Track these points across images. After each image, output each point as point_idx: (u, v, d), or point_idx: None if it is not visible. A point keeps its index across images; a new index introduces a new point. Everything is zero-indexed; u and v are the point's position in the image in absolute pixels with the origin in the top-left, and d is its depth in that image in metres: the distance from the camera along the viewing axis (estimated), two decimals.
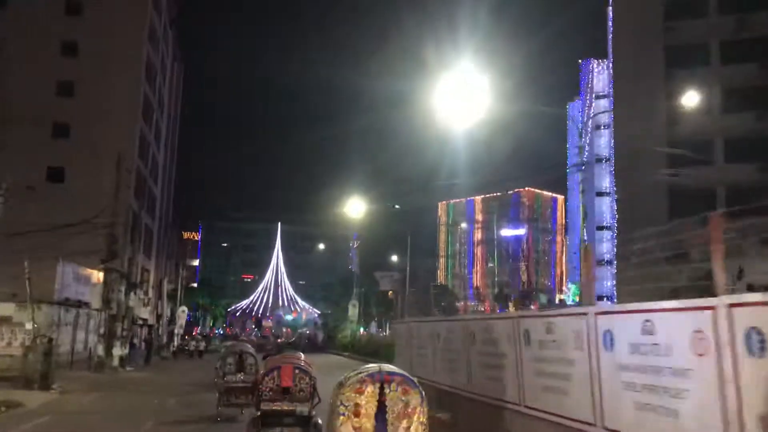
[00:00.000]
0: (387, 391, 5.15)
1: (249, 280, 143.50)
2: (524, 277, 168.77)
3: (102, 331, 26.79)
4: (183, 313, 57.60)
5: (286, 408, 7.93)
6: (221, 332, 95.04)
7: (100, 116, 39.97)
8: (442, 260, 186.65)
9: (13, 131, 39.05)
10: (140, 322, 48.61)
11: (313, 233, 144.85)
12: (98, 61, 40.93)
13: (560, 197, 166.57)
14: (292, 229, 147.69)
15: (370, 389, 5.14)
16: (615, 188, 40.08)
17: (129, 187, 36.15)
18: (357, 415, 5.09)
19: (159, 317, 48.73)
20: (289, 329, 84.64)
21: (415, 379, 5.35)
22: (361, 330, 60.42)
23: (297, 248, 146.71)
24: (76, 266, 30.21)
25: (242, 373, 13.47)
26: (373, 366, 5.45)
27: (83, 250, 28.30)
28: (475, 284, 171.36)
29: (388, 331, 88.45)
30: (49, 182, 39.63)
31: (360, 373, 5.29)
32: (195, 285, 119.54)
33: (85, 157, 38.15)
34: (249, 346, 16.07)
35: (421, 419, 5.18)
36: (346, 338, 51.22)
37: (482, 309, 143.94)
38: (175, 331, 55.48)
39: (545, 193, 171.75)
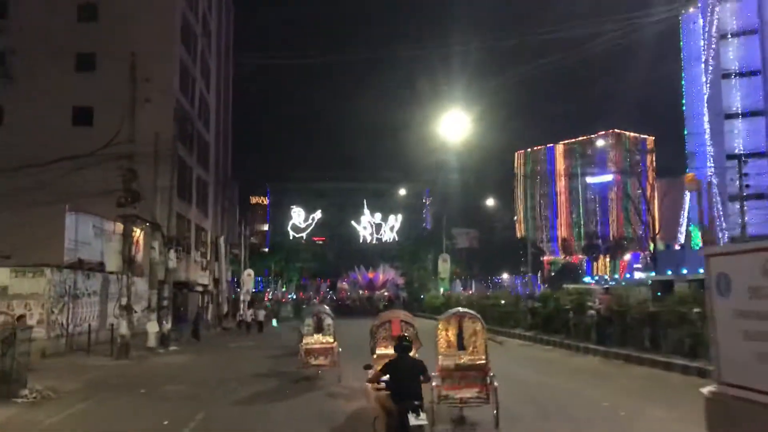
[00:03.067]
0: (463, 321, 9.54)
1: (321, 242, 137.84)
2: (613, 227, 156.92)
3: (124, 301, 19.49)
4: (249, 276, 50.75)
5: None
6: (294, 297, 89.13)
7: (129, 42, 32.56)
8: (521, 213, 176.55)
9: (30, 64, 32.46)
10: (199, 288, 42.13)
11: (383, 189, 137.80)
12: None
13: (650, 138, 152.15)
14: (359, 187, 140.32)
15: (454, 320, 9.59)
16: None
17: (171, 121, 28.64)
18: (446, 335, 9.46)
19: (216, 282, 41.99)
20: (366, 291, 77.60)
21: (478, 315, 9.70)
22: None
23: (368, 207, 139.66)
24: (95, 217, 23.12)
25: (320, 334, 13.71)
26: (454, 309, 10.25)
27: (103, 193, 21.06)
28: (559, 236, 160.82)
29: (472, 289, 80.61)
30: (76, 126, 32.97)
31: (449, 313, 9.92)
32: (266, 250, 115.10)
33: (115, 93, 30.93)
34: (327, 308, 16.20)
35: (483, 338, 9.50)
36: (436, 299, 43.17)
37: (564, 262, 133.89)
38: (241, 297, 48.91)
39: (632, 134, 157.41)
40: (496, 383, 8.72)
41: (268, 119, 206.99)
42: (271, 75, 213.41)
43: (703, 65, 57.88)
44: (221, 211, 47.70)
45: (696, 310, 13.88)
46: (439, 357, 9.23)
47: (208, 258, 42.95)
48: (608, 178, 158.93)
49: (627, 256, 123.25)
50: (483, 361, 9.16)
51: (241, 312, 39.93)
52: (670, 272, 44.19)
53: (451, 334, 9.40)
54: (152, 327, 22.08)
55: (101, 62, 33.05)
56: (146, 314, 23.44)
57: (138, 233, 20.33)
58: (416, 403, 6.52)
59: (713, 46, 57.49)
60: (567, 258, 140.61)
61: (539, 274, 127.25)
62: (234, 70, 61.74)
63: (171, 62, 34.60)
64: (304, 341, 13.67)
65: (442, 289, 44.78)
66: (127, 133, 19.74)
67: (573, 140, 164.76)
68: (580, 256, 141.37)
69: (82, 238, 22.41)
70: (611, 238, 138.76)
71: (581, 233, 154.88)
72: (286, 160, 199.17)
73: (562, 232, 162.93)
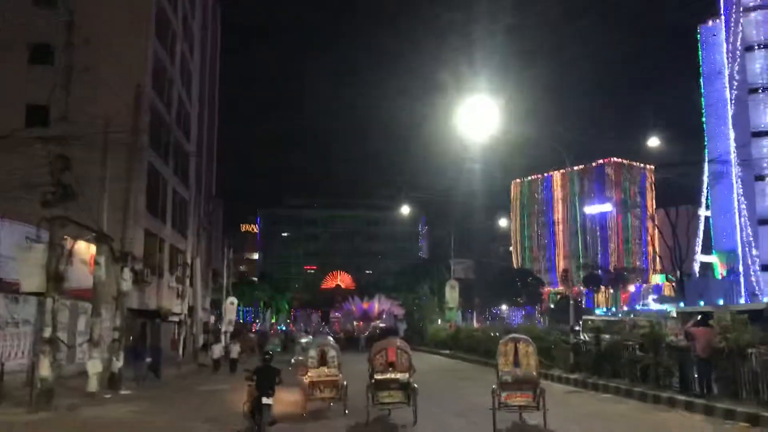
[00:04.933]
0: (518, 343, 11.27)
1: (312, 271, 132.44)
2: (613, 258, 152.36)
3: (47, 333, 14.47)
4: (232, 305, 45.48)
5: (391, 377, 11.78)
6: (284, 328, 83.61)
7: (93, 31, 27.99)
8: (517, 243, 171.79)
9: None
10: (174, 318, 36.97)
11: (377, 218, 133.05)
12: None
13: (650, 166, 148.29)
14: (354, 215, 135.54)
15: (511, 343, 11.34)
16: None
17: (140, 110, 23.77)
18: (505, 355, 11.19)
19: (191, 310, 36.83)
20: (360, 323, 72.23)
21: (530, 339, 11.60)
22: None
23: (361, 235, 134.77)
24: (28, 227, 18.21)
25: (325, 367, 13.43)
26: (510, 335, 12.08)
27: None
28: (558, 266, 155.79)
29: (473, 322, 75.52)
30: (30, 127, 28.12)
31: (506, 338, 11.75)
32: (255, 279, 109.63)
33: (75, 90, 26.22)
34: (331, 339, 16.45)
35: (534, 358, 11.19)
36: (441, 331, 38.06)
37: (568, 293, 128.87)
38: (223, 329, 43.64)
39: (633, 163, 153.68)
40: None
41: (258, 141, 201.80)
42: (261, 92, 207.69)
43: (726, 80, 53.94)
44: (203, 232, 42.69)
45: None
46: (500, 372, 11.15)
47: (186, 284, 37.85)
48: (608, 207, 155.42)
49: (631, 287, 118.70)
50: (534, 376, 11.04)
51: (223, 344, 34.00)
52: (702, 303, 39.39)
53: (509, 353, 11.20)
54: (93, 367, 17.03)
55: (60, 55, 28.40)
56: (87, 349, 18.36)
57: (71, 243, 15.43)
58: (269, 391, 10.24)
59: (738, 59, 53.74)
60: (566, 290, 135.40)
61: (538, 306, 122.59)
62: (219, 84, 57.53)
63: (140, 53, 29.99)
64: (308, 373, 13.42)
65: (449, 320, 39.79)
66: (60, 110, 15.06)
67: (571, 169, 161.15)
68: (580, 288, 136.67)
69: (6, 252, 17.50)
70: (612, 269, 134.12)
71: (579, 264, 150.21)
72: (276, 186, 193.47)
73: (560, 262, 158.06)
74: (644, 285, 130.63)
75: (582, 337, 21.77)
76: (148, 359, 21.50)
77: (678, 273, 44.25)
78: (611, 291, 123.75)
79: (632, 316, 22.57)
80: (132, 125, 19.64)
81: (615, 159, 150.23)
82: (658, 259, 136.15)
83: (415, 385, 11.75)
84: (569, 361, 19.78)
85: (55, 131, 14.93)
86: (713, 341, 13.02)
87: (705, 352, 13.06)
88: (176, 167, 37.87)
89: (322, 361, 13.45)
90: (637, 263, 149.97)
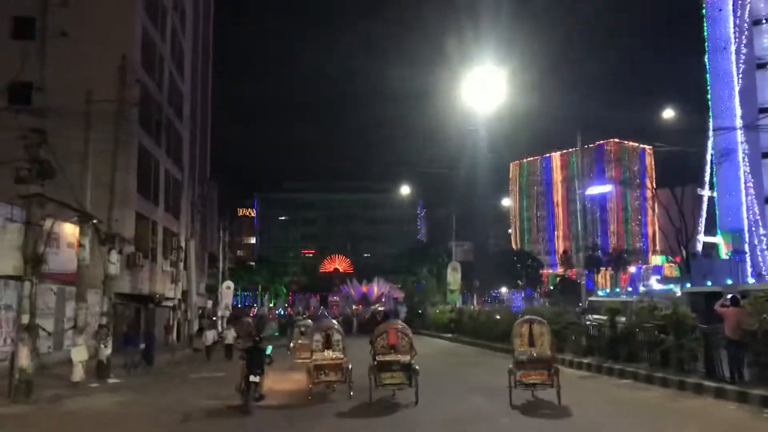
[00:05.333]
0: (532, 324, 12.09)
1: (310, 255, 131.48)
2: (613, 239, 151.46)
3: (24, 320, 13.44)
4: (228, 290, 44.73)
5: (393, 358, 12.19)
6: (282, 312, 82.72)
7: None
8: (516, 225, 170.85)
9: None
10: (168, 303, 35.99)
11: (375, 200, 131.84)
12: None
13: (648, 147, 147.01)
14: (352, 198, 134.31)
15: (526, 324, 12.15)
16: None
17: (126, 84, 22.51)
18: (521, 336, 12.00)
19: (185, 294, 35.76)
20: (360, 306, 71.35)
21: (544, 320, 12.55)
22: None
23: (360, 218, 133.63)
24: (4, 206, 17.12)
25: (330, 350, 13.36)
26: (526, 317, 13.17)
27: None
28: (557, 248, 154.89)
29: (473, 305, 74.73)
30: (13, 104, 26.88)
31: (521, 319, 12.84)
32: (253, 264, 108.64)
33: (60, 67, 24.95)
34: (336, 322, 15.73)
35: (548, 338, 11.90)
36: (443, 314, 37.08)
37: (568, 275, 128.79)
38: (219, 313, 42.77)
39: (632, 143, 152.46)
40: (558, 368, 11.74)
41: (254, 123, 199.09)
42: (257, 73, 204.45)
43: (733, 55, 52.43)
44: (197, 215, 41.59)
45: None
46: (516, 352, 12.00)
47: (180, 268, 36.82)
48: (607, 188, 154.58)
49: (632, 269, 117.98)
50: (548, 355, 11.80)
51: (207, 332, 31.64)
52: (709, 283, 38.43)
53: (524, 334, 12.06)
54: (78, 354, 16.02)
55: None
56: (73, 336, 17.34)
57: (50, 222, 14.30)
58: (257, 370, 11.67)
59: (746, 32, 52.29)
60: (566, 271, 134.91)
61: (538, 288, 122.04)
62: (213, 64, 56.15)
63: (127, 25, 28.67)
64: (313, 357, 13.36)
65: (450, 303, 38.79)
66: (35, 77, 13.91)
67: (571, 150, 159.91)
68: (579, 270, 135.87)
69: None
70: (611, 250, 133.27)
71: (578, 245, 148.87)
72: (273, 168, 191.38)
73: (560, 244, 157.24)
74: (644, 266, 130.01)
75: (589, 318, 20.79)
76: (142, 345, 20.50)
77: (684, 253, 43.22)
78: (612, 272, 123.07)
79: (646, 297, 21.41)
80: (118, 97, 18.43)
81: (615, 139, 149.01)
82: (657, 239, 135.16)
83: (417, 367, 12.15)
84: (581, 344, 18.82)
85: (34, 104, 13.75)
86: (745, 322, 12.02)
87: (735, 334, 12.06)
88: (168, 148, 36.66)
89: (327, 344, 13.40)
90: (637, 244, 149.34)
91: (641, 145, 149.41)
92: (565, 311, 20.77)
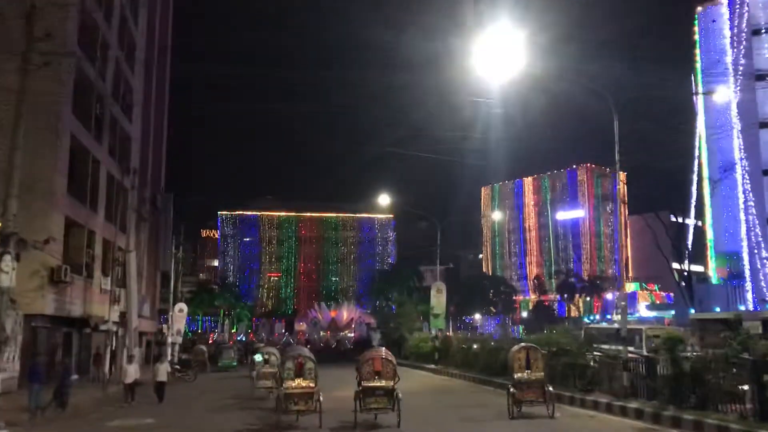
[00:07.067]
0: (529, 350, 14.31)
1: (275, 278, 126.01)
2: (586, 266, 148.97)
3: None
4: (181, 313, 39.50)
5: (377, 384, 12.69)
6: (243, 339, 77.34)
7: None
8: (488, 250, 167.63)
9: None
10: (105, 327, 30.73)
11: (344, 222, 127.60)
12: None
13: (621, 173, 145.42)
14: (321, 219, 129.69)
15: (523, 350, 14.40)
16: None
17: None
18: (519, 360, 14.07)
19: (122, 317, 30.62)
20: (328, 332, 66.64)
21: (538, 347, 14.79)
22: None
23: (328, 240, 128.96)
24: None
25: (301, 378, 13.09)
26: (522, 344, 15.35)
27: None
28: (529, 274, 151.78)
29: (449, 330, 70.62)
30: None
31: (519, 345, 14.95)
32: (216, 287, 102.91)
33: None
34: (307, 350, 15.67)
35: (542, 361, 14.16)
36: (424, 341, 32.62)
37: (543, 300, 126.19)
38: (169, 340, 37.63)
39: (605, 168, 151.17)
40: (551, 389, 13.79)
41: (215, 136, 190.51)
42: (216, 84, 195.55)
43: (731, 67, 49.70)
44: (143, 223, 36.68)
45: None
46: (515, 375, 13.85)
47: (115, 287, 31.62)
48: (580, 213, 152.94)
49: (609, 295, 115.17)
50: (542, 376, 13.83)
51: (127, 366, 23.45)
52: (717, 309, 34.85)
53: (522, 359, 14.09)
54: None
55: None
56: None
57: None
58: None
59: (743, 42, 49.77)
60: (540, 297, 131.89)
61: (510, 315, 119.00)
62: (171, 68, 51.42)
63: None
64: (284, 385, 13.09)
65: (434, 329, 34.33)
66: None
67: (543, 174, 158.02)
68: (552, 296, 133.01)
69: None
70: (586, 276, 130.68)
71: (551, 271, 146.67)
72: (237, 187, 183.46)
73: (532, 270, 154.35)
74: (617, 293, 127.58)
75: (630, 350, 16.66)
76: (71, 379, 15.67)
77: (681, 281, 39.86)
78: (587, 299, 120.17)
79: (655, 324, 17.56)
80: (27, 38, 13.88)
81: (588, 164, 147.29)
82: (630, 266, 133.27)
83: (400, 394, 12.74)
84: (622, 382, 14.64)
85: None
86: None
87: None
88: (113, 148, 31.92)
89: (299, 372, 13.14)
90: (610, 271, 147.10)
91: (612, 170, 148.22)
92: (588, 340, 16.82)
